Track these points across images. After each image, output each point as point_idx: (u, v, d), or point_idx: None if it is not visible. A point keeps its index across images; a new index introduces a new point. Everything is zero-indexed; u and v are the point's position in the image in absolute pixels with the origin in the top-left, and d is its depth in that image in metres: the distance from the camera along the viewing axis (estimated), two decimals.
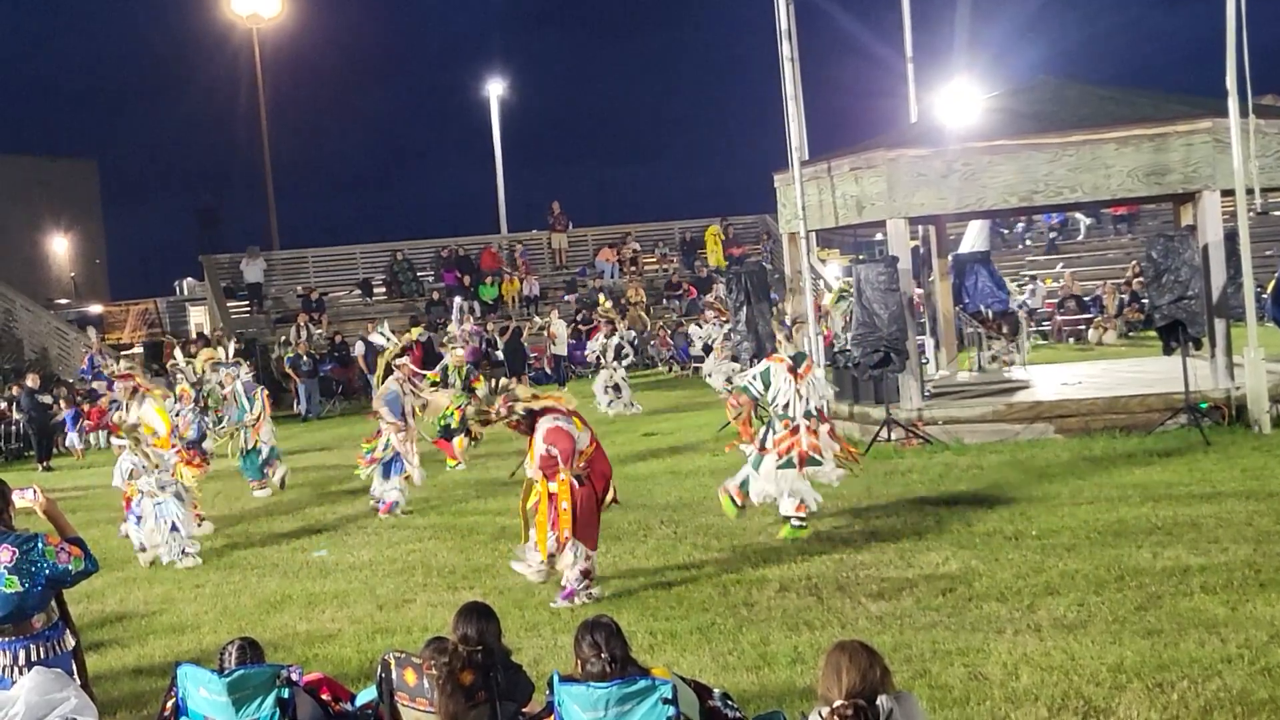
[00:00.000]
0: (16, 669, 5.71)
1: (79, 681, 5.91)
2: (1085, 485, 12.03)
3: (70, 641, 5.96)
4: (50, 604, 5.88)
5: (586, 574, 9.29)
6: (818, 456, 11.04)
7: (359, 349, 27.57)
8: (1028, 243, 35.98)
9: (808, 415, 11.07)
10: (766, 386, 11.19)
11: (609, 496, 9.63)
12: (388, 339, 15.45)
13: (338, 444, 20.83)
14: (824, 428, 11.23)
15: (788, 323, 12.82)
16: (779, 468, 10.96)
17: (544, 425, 9.26)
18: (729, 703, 5.77)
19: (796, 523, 10.87)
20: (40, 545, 5.76)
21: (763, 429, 11.34)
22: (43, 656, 5.76)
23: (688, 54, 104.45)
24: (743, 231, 37.45)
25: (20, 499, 6.06)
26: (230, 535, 13.46)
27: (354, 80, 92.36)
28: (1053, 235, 34.93)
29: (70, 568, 5.82)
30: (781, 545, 10.58)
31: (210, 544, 12.90)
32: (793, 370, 11.14)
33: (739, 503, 11.09)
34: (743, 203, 36.96)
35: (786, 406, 11.09)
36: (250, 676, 5.74)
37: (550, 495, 9.24)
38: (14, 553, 5.69)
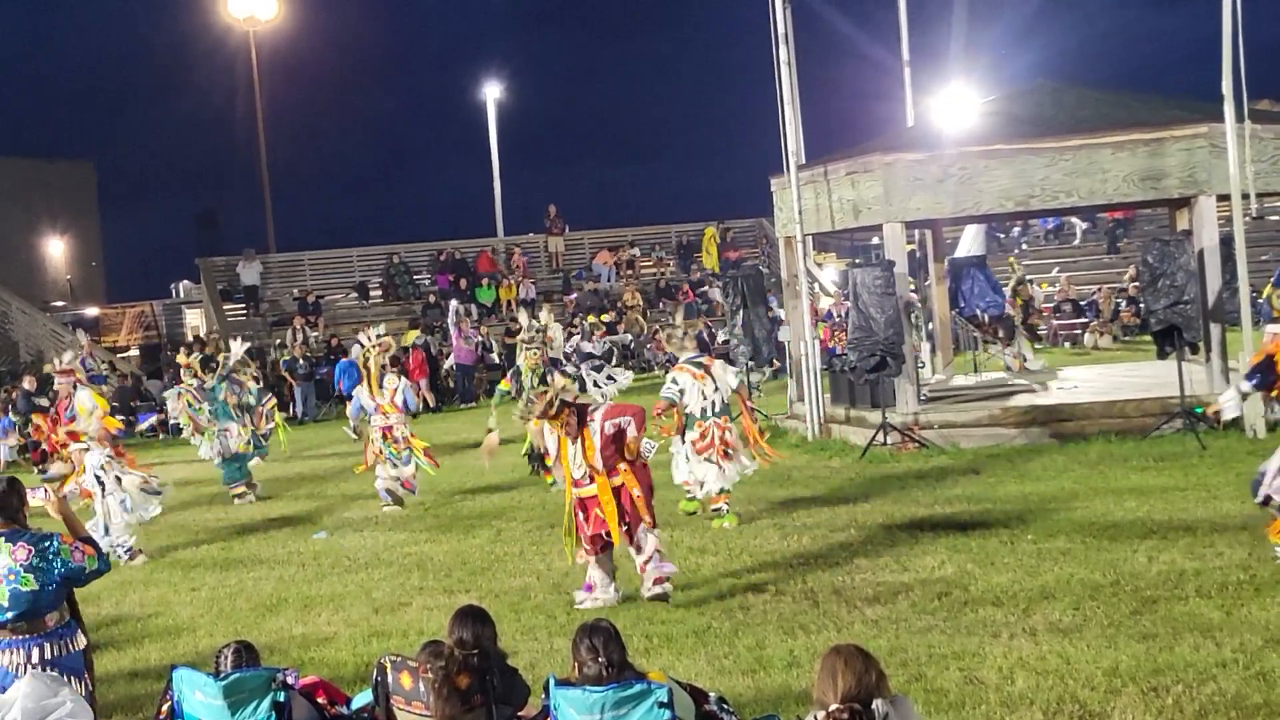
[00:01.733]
0: (29, 666, 5.78)
1: (89, 681, 5.98)
2: (1080, 489, 12.04)
3: (82, 641, 6.03)
4: (63, 603, 5.97)
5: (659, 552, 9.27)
6: (731, 451, 11.81)
7: (356, 351, 27.48)
8: (1017, 244, 35.95)
9: (718, 413, 11.81)
10: (682, 393, 11.91)
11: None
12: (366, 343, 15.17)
13: (334, 447, 20.82)
14: (734, 424, 11.99)
15: (679, 335, 12.99)
16: (702, 462, 11.84)
17: (600, 410, 9.23)
18: (725, 707, 5.77)
19: (719, 509, 11.75)
20: (55, 544, 5.87)
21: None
22: (55, 655, 5.85)
23: (686, 56, 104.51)
24: (740, 235, 37.44)
25: (33, 499, 6.13)
26: (226, 538, 13.45)
27: (351, 82, 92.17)
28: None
29: (85, 566, 5.93)
30: (778, 549, 10.58)
31: (207, 548, 12.91)
32: (695, 373, 11.87)
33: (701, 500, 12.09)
34: (740, 206, 36.95)
35: (702, 409, 11.81)
36: (246, 680, 5.74)
37: (617, 489, 9.08)
38: (30, 550, 5.79)
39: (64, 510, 6.15)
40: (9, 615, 5.76)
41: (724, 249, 36.01)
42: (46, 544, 5.84)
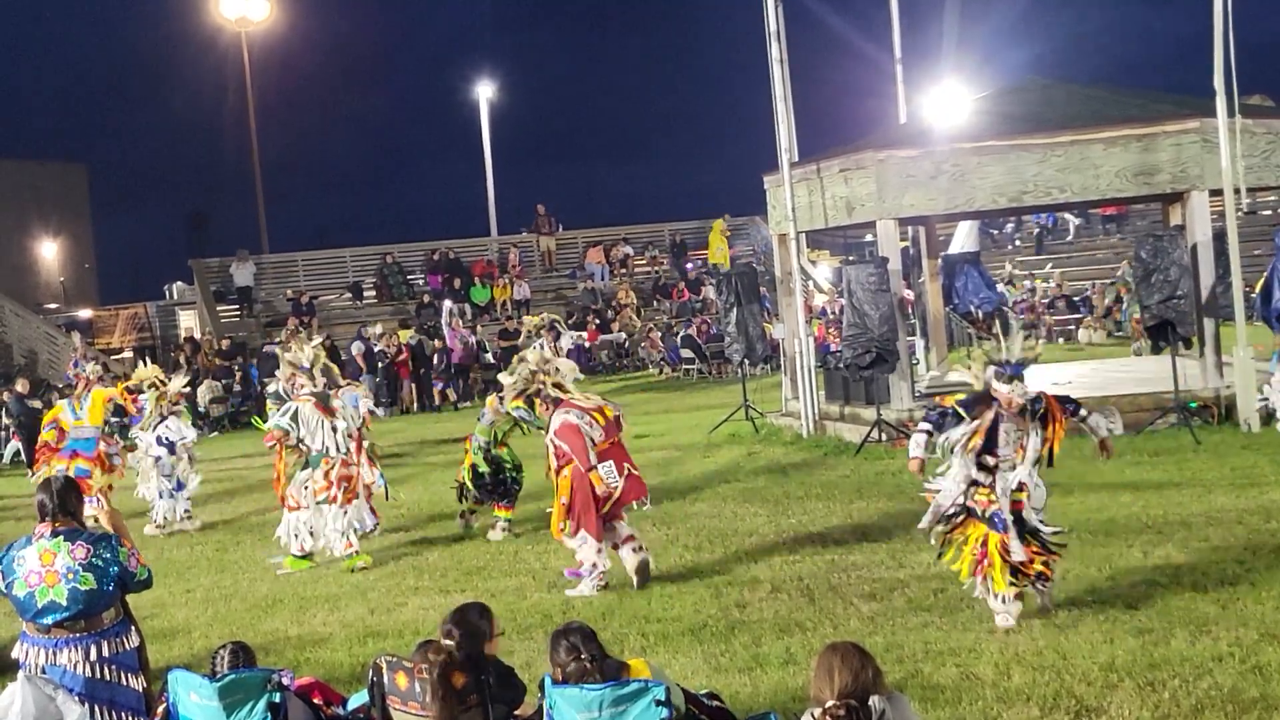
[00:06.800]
0: (86, 664, 5.84)
1: (144, 679, 6.05)
2: (1075, 484, 12.00)
3: (135, 638, 6.08)
4: (117, 601, 6.02)
5: (594, 564, 9.50)
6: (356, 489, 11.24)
7: (356, 349, 27.39)
8: (1017, 243, 36.02)
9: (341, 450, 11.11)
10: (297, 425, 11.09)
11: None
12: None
13: None
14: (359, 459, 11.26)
15: (305, 363, 11.56)
16: (319, 503, 11.13)
17: (557, 419, 9.58)
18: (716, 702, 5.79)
19: (347, 554, 11.11)
20: (115, 544, 5.96)
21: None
22: (111, 652, 5.92)
23: (678, 55, 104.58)
24: (732, 233, 37.35)
25: (86, 508, 6.15)
26: (220, 540, 13.41)
27: (343, 82, 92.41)
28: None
29: (137, 573, 6.02)
30: (774, 547, 10.58)
31: (202, 549, 12.89)
32: (324, 408, 11.08)
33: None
34: (733, 204, 36.88)
35: (324, 447, 11.10)
36: (241, 681, 5.73)
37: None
38: (88, 550, 5.86)
39: (115, 521, 6.21)
40: (67, 613, 5.81)
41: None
42: (104, 544, 5.92)
